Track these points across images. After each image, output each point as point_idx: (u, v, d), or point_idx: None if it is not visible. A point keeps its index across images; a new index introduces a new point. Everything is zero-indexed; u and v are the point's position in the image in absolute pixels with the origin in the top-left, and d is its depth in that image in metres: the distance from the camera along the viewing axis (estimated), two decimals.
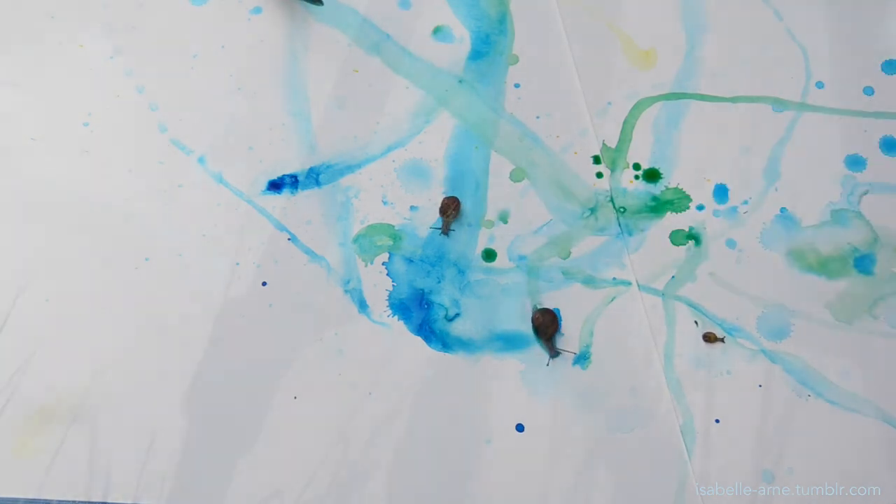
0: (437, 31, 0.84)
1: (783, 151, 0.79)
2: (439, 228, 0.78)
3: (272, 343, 0.75)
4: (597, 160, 0.80)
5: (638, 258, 0.77)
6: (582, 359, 0.74)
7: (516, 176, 0.80)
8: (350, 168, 0.80)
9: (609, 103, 0.82)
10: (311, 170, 0.80)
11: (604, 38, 0.84)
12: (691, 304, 0.75)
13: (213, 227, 0.78)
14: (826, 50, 0.82)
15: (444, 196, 0.79)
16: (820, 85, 0.81)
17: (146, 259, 0.77)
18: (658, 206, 0.78)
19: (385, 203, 0.79)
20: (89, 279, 0.76)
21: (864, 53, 0.82)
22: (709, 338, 0.73)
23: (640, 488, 0.70)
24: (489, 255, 0.77)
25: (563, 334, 0.74)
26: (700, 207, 0.78)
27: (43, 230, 0.78)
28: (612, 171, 0.80)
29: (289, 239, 0.78)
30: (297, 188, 0.79)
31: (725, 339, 0.73)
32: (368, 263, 0.77)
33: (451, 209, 0.77)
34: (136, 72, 0.83)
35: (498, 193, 0.79)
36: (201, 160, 0.80)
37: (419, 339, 0.75)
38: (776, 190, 0.78)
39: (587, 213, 0.78)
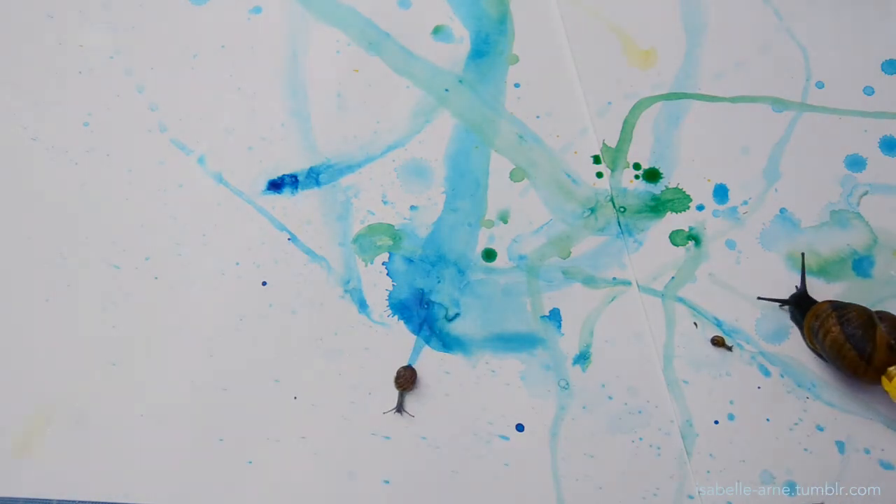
0: (437, 30, 0.84)
1: (783, 151, 0.79)
2: (393, 409, 0.72)
3: (272, 343, 0.75)
4: (597, 160, 0.80)
5: (638, 258, 0.77)
6: (582, 359, 0.74)
7: (516, 176, 0.80)
8: (350, 168, 0.80)
9: (609, 103, 0.82)
10: (311, 170, 0.80)
11: (604, 38, 0.84)
12: (691, 305, 0.75)
13: (213, 227, 0.78)
14: (826, 50, 0.82)
15: (400, 367, 0.73)
16: (820, 85, 0.81)
17: (146, 259, 0.77)
18: (658, 206, 0.78)
19: (385, 203, 0.79)
20: (89, 279, 0.76)
21: (864, 53, 0.82)
22: (717, 341, 0.73)
23: (640, 488, 0.70)
24: (489, 254, 0.77)
25: None
26: (700, 207, 0.78)
27: (43, 230, 0.78)
28: (612, 170, 0.80)
29: (289, 239, 0.78)
30: (297, 188, 0.79)
31: (732, 348, 0.73)
32: (368, 263, 0.77)
33: (409, 383, 0.72)
34: (136, 72, 0.83)
35: (498, 193, 0.79)
36: (201, 160, 0.80)
37: (419, 338, 0.75)
38: (776, 190, 0.78)
39: (587, 213, 0.78)
